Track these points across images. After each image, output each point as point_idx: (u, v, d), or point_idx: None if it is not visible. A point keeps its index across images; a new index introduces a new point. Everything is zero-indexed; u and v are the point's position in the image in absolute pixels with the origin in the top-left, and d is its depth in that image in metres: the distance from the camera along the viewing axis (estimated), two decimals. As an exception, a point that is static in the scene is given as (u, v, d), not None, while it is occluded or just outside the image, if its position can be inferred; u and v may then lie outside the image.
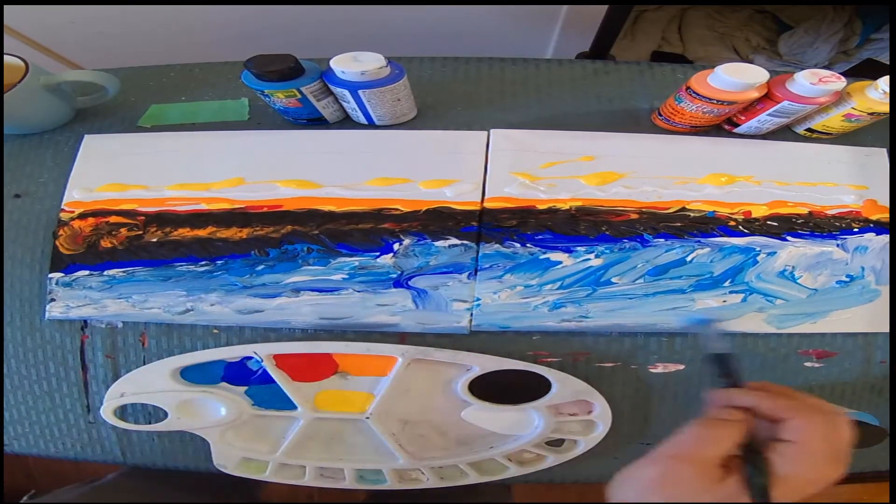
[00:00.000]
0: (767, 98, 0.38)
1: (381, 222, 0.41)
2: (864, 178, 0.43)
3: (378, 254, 0.41)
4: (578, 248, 0.41)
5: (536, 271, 0.40)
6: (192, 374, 0.40)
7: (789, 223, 0.41)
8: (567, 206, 0.41)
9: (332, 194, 0.42)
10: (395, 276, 0.40)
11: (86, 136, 0.45)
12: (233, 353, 0.40)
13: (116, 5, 0.56)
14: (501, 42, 0.68)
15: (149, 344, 0.41)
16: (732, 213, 0.41)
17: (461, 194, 0.42)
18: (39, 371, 0.42)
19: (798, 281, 0.40)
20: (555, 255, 0.40)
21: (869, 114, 0.38)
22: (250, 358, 0.40)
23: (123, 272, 0.41)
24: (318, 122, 0.44)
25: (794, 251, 0.41)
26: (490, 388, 0.39)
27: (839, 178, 0.43)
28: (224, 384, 0.41)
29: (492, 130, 0.44)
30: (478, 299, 0.40)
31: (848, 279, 0.40)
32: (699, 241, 0.41)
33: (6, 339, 0.42)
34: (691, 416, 0.42)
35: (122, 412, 0.41)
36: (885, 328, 0.40)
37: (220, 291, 0.41)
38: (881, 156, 0.43)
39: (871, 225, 0.41)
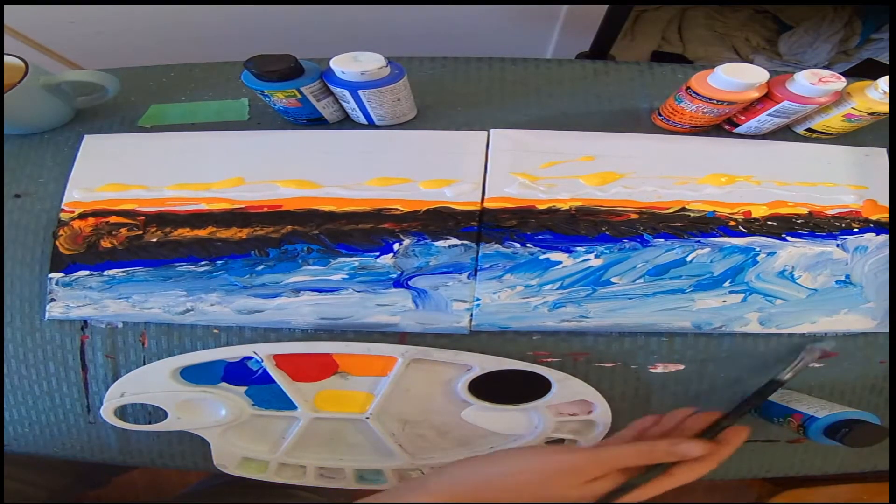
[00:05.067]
0: (767, 98, 0.38)
1: (381, 222, 0.41)
2: (864, 178, 0.43)
3: (378, 254, 0.41)
4: (578, 248, 0.41)
5: (536, 271, 0.40)
6: (192, 374, 0.40)
7: (789, 223, 0.41)
8: (567, 206, 0.41)
9: (332, 194, 0.42)
10: (395, 276, 0.40)
11: (86, 136, 0.45)
12: (233, 353, 0.40)
13: (116, 5, 0.56)
14: (501, 42, 0.68)
15: (149, 344, 0.41)
16: (732, 213, 0.41)
17: (461, 194, 0.42)
18: (39, 371, 0.42)
19: (797, 281, 0.40)
20: (555, 255, 0.40)
21: (869, 114, 0.38)
22: (250, 358, 0.40)
23: (123, 272, 0.41)
24: (318, 122, 0.44)
25: (793, 251, 0.41)
26: (490, 388, 0.39)
27: (839, 178, 0.43)
28: (224, 384, 0.41)
29: (492, 130, 0.44)
30: (478, 299, 0.40)
31: (846, 279, 0.40)
32: (699, 241, 0.41)
33: (6, 339, 0.42)
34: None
35: (122, 412, 0.41)
36: (885, 328, 0.40)
37: (220, 291, 0.41)
38: (881, 156, 0.43)
39: (871, 225, 0.41)
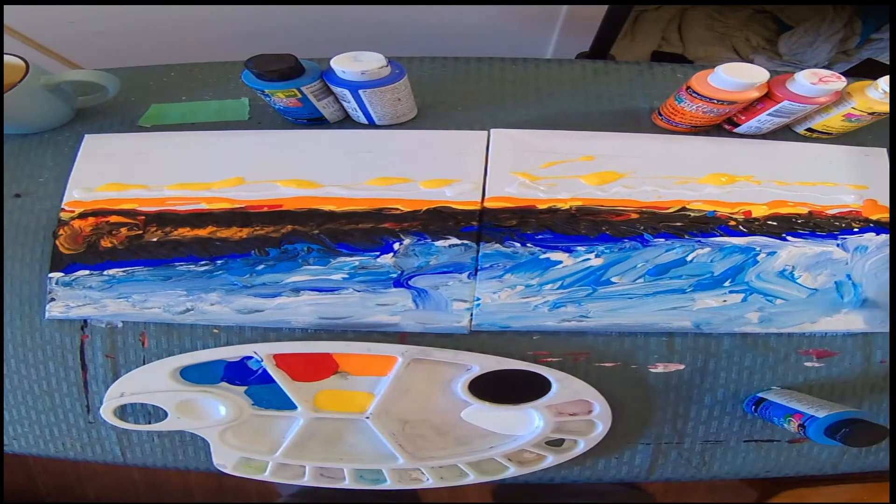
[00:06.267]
0: (767, 98, 0.38)
1: (382, 222, 0.41)
2: (864, 177, 0.43)
3: (378, 253, 0.41)
4: (578, 248, 0.41)
5: (536, 271, 0.40)
6: (191, 374, 0.40)
7: (789, 223, 0.41)
8: (567, 206, 0.41)
9: (332, 194, 0.42)
10: (395, 275, 0.40)
11: (86, 135, 0.45)
12: (233, 352, 0.40)
13: (116, 5, 0.56)
14: (501, 42, 0.68)
15: (149, 344, 0.41)
16: (732, 213, 0.41)
17: (461, 194, 0.42)
18: (39, 371, 0.42)
19: (798, 281, 0.40)
20: (555, 255, 0.40)
21: (869, 114, 0.38)
22: (250, 358, 0.40)
23: (123, 272, 0.41)
24: (318, 121, 0.44)
25: (794, 251, 0.41)
26: (490, 388, 0.39)
27: (839, 178, 0.43)
28: (224, 384, 0.41)
29: (492, 130, 0.44)
30: (478, 299, 0.40)
31: (846, 278, 0.40)
32: (699, 241, 0.41)
33: (6, 339, 0.42)
34: (691, 417, 0.42)
35: (122, 412, 0.41)
36: (885, 328, 0.40)
37: (220, 291, 0.41)
38: (881, 156, 0.43)
39: (871, 225, 0.41)
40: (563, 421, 0.40)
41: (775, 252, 0.41)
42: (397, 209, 0.42)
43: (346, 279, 0.41)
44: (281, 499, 0.57)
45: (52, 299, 0.41)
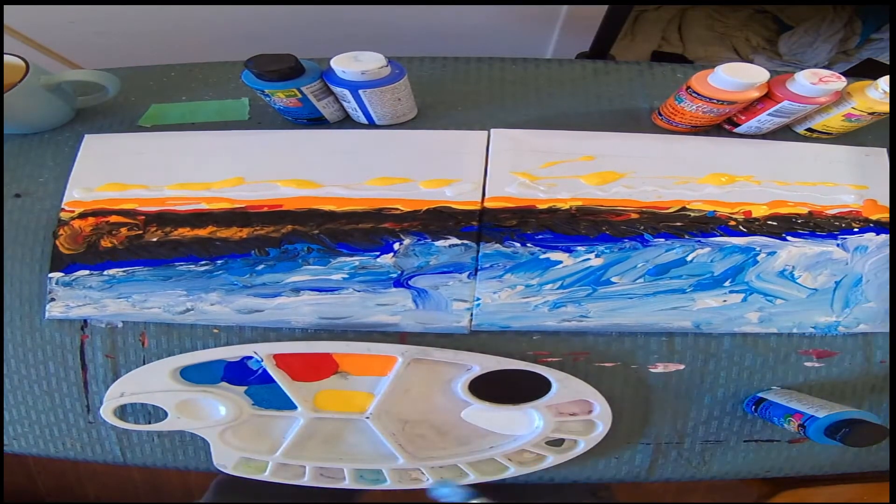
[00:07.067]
0: (768, 98, 0.38)
1: (382, 222, 0.41)
2: (864, 177, 0.43)
3: (378, 253, 0.41)
4: (578, 248, 0.41)
5: (536, 271, 0.40)
6: (191, 374, 0.40)
7: (789, 223, 0.41)
8: (567, 206, 0.41)
9: (332, 194, 0.42)
10: (395, 275, 0.40)
11: (86, 135, 0.45)
12: (233, 352, 0.40)
13: (116, 5, 0.56)
14: (501, 42, 0.68)
15: (149, 344, 0.41)
16: (732, 213, 0.41)
17: (461, 194, 0.42)
18: (39, 371, 0.42)
19: (798, 281, 0.40)
20: (555, 255, 0.40)
21: (869, 114, 0.38)
22: (250, 358, 0.40)
23: (123, 272, 0.41)
24: (318, 121, 0.44)
25: (794, 251, 0.41)
26: (490, 388, 0.39)
27: (839, 178, 0.43)
28: (224, 384, 0.41)
29: (492, 130, 0.44)
30: (478, 299, 0.40)
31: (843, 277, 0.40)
32: (699, 241, 0.41)
33: (6, 339, 0.42)
34: (691, 417, 0.42)
35: (122, 412, 0.41)
36: (885, 328, 0.40)
37: (220, 291, 0.41)
38: (881, 156, 0.43)
39: (871, 225, 0.41)
40: (563, 421, 0.40)
41: (775, 252, 0.41)
42: (397, 209, 0.42)
43: (346, 279, 0.41)
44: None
45: (52, 299, 0.41)
